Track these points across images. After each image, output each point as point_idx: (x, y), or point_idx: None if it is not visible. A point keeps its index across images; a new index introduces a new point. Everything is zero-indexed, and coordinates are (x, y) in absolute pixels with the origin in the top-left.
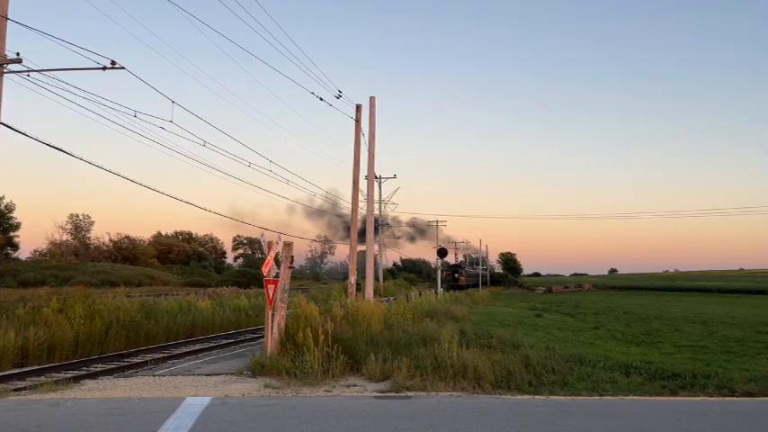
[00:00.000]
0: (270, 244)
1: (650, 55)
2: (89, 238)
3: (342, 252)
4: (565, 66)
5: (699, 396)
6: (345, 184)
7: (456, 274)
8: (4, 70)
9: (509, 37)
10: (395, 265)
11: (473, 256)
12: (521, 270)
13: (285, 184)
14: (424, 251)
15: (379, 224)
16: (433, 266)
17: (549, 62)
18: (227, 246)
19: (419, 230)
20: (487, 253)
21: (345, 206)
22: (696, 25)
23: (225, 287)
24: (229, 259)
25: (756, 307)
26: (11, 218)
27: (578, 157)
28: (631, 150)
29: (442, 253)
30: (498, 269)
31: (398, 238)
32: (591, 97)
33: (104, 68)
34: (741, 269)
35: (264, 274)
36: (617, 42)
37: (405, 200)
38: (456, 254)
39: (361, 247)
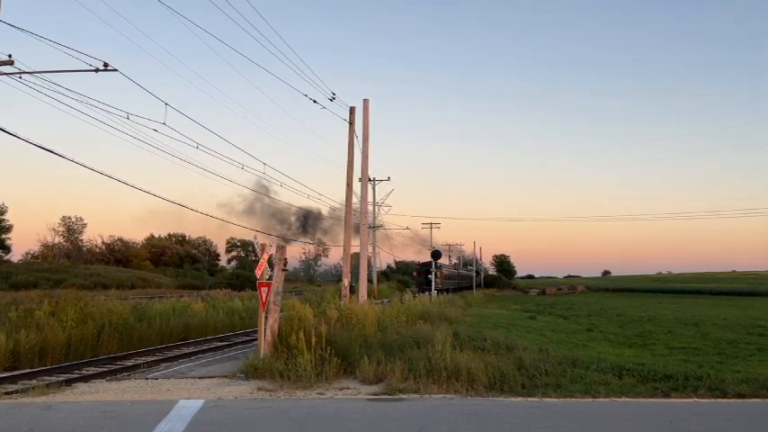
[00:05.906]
0: (263, 246)
1: (644, 56)
2: (81, 240)
3: (335, 254)
4: (559, 68)
5: (691, 398)
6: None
7: (429, 275)
8: None
9: (505, 38)
10: (389, 267)
11: (466, 257)
12: (514, 272)
13: (279, 186)
14: (422, 253)
15: (373, 226)
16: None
17: (542, 64)
18: (221, 248)
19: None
20: (481, 255)
21: (279, 198)
22: (693, 26)
23: (218, 289)
24: (223, 261)
25: (748, 309)
26: (2, 220)
27: (573, 159)
28: (625, 153)
29: (435, 255)
30: (492, 271)
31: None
32: (587, 100)
33: (97, 70)
34: (733, 271)
35: (258, 277)
36: (614, 44)
37: (398, 202)
38: (450, 256)
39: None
